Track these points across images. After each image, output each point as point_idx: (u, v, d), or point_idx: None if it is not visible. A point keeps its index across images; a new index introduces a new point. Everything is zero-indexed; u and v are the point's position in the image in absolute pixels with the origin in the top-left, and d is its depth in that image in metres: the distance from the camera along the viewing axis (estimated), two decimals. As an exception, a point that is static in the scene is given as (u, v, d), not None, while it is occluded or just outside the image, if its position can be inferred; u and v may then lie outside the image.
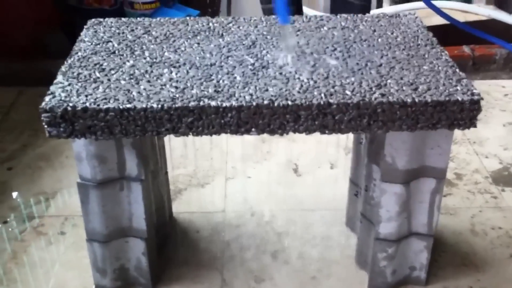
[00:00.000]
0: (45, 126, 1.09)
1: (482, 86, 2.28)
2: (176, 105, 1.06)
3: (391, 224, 1.31)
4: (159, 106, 1.06)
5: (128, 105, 1.06)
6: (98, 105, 1.07)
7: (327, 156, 1.91)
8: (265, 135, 1.99)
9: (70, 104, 1.07)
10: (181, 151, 1.92)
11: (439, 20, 2.46)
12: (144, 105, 1.06)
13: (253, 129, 1.09)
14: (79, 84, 1.13)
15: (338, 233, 1.58)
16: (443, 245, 1.53)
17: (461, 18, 2.60)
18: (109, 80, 1.14)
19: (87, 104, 1.07)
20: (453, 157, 1.87)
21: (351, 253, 1.50)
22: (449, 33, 1.31)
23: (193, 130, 1.09)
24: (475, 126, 1.09)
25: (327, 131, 1.10)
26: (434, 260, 1.46)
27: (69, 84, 1.13)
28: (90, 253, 1.37)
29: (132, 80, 1.14)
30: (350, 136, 1.90)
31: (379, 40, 1.27)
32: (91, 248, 1.35)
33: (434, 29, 1.37)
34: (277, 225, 1.61)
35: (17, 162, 1.89)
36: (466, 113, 1.08)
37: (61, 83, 1.13)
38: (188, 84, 1.12)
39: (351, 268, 1.47)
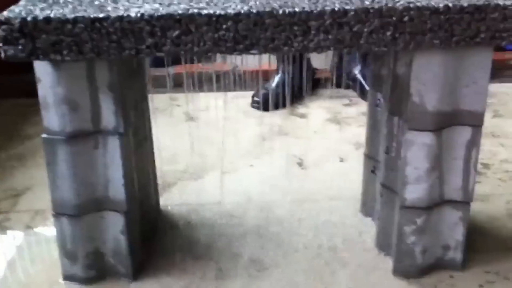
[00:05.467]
0: (0, 45, 0.89)
1: None
2: (159, 14, 0.88)
3: (420, 186, 1.09)
4: (138, 15, 0.88)
5: (101, 15, 0.87)
6: (64, 15, 0.88)
7: (336, 151, 1.70)
8: (265, 132, 1.81)
9: (31, 15, 0.88)
10: (172, 150, 1.71)
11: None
12: (119, 13, 0.87)
13: (253, 47, 0.90)
14: (45, 4, 0.94)
15: (352, 220, 1.35)
16: (480, 229, 1.30)
17: None
18: (81, 1, 0.96)
19: (51, 14, 0.88)
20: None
21: (370, 238, 1.27)
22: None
23: (181, 47, 0.90)
24: (522, 37, 0.91)
25: (343, 47, 0.90)
26: (472, 241, 1.22)
27: (33, 5, 0.94)
28: (57, 233, 1.14)
29: (109, 0, 0.96)
30: (360, 132, 1.69)
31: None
32: (59, 225, 1.12)
33: None
34: (281, 215, 1.38)
35: (-12, 163, 1.68)
36: (510, 22, 0.90)
37: (24, 3, 0.95)
38: (175, 1, 0.94)
39: (371, 253, 1.23)
